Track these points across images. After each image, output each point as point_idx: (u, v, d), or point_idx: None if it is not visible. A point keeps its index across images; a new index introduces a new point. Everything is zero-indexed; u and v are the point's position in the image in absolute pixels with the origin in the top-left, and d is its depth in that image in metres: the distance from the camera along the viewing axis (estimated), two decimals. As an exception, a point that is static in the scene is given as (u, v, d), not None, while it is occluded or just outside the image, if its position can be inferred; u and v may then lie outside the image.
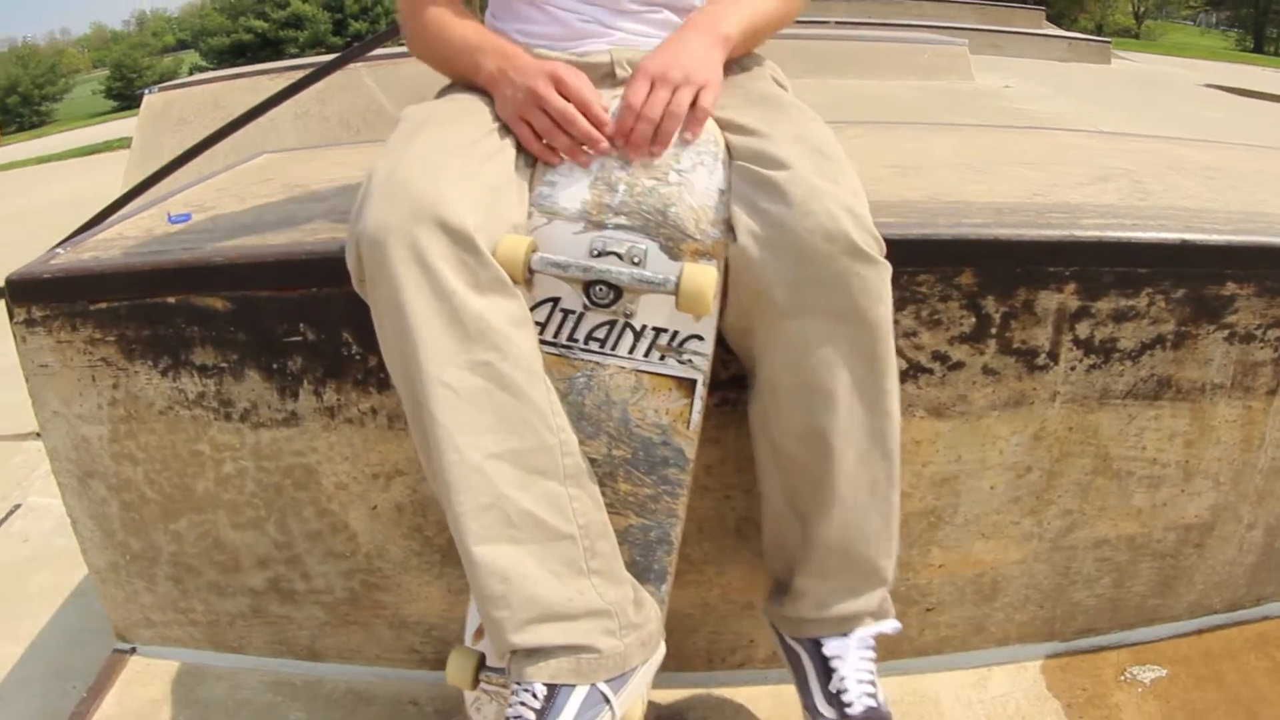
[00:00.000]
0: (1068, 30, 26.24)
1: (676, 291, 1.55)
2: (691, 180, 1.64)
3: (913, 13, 17.03)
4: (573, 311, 1.67)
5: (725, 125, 1.71)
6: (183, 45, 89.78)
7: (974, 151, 2.68)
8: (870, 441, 1.65)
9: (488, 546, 1.51)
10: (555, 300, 1.67)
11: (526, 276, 1.58)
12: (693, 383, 1.67)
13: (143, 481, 2.13)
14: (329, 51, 53.51)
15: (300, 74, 8.62)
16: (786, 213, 1.53)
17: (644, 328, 1.66)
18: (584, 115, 1.65)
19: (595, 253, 1.65)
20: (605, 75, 1.85)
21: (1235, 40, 65.34)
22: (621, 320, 1.66)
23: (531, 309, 1.64)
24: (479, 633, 1.76)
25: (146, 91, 9.08)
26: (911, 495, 2.05)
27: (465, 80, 1.86)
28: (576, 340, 1.68)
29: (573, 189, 1.68)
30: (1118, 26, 59.68)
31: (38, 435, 2.21)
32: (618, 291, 1.63)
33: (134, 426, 2.09)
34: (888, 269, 1.57)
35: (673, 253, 1.63)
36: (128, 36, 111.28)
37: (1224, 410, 2.10)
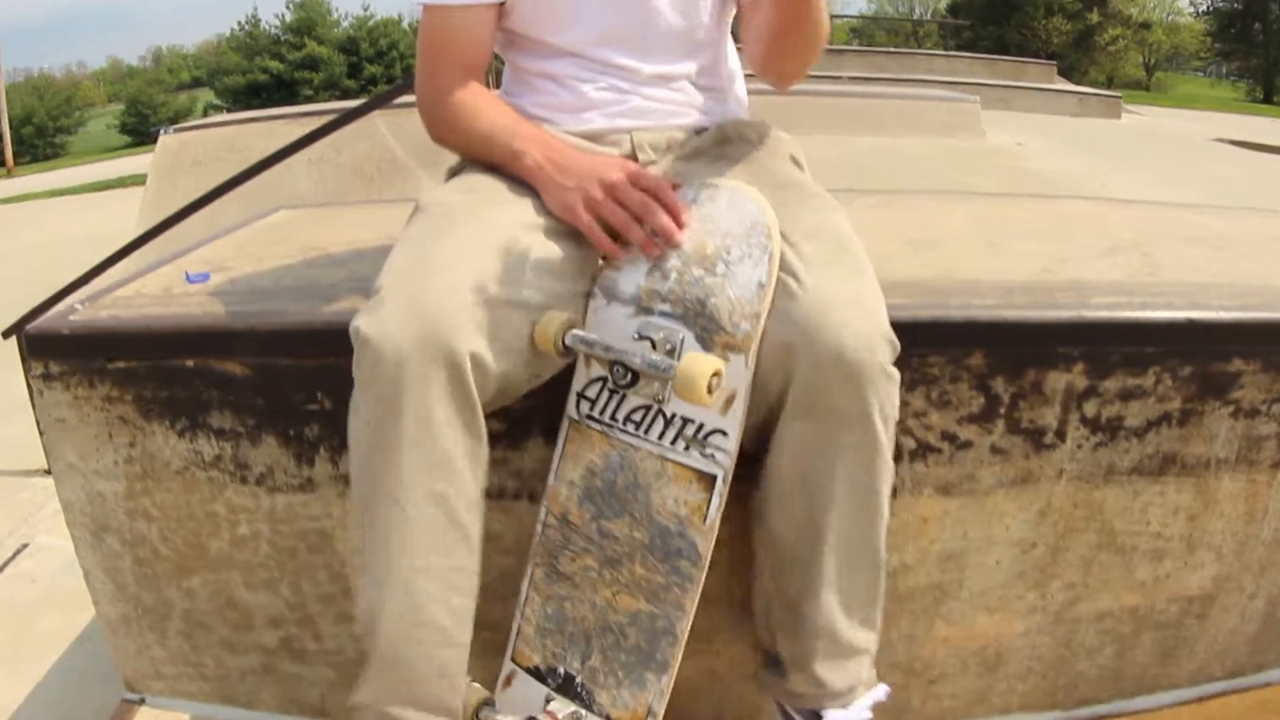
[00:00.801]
0: (1079, 83, 26.37)
1: (673, 377, 1.56)
2: (736, 272, 1.64)
3: (924, 67, 17.15)
4: (616, 392, 1.73)
5: None
6: (198, 83, 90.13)
7: (986, 223, 2.71)
8: (861, 535, 1.71)
9: (396, 641, 1.62)
10: (604, 380, 1.74)
11: (561, 350, 1.64)
12: (713, 478, 1.68)
13: (157, 538, 2.15)
14: (344, 94, 53.95)
15: (316, 119, 8.72)
16: (803, 320, 1.58)
17: (674, 415, 1.70)
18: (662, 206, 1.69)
19: (636, 336, 1.69)
20: (626, 157, 1.90)
21: (1245, 91, 65.45)
22: (655, 406, 1.70)
23: (585, 385, 1.77)
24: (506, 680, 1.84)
25: (162, 131, 9.08)
26: (917, 571, 2.07)
27: (499, 166, 1.87)
28: (617, 420, 1.75)
29: (634, 273, 1.72)
30: (1128, 79, 59.84)
31: (46, 472, 2.22)
32: (634, 374, 1.66)
33: (150, 484, 2.11)
34: (897, 379, 1.61)
35: (706, 343, 1.65)
36: (143, 72, 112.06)
37: (1228, 484, 2.12)
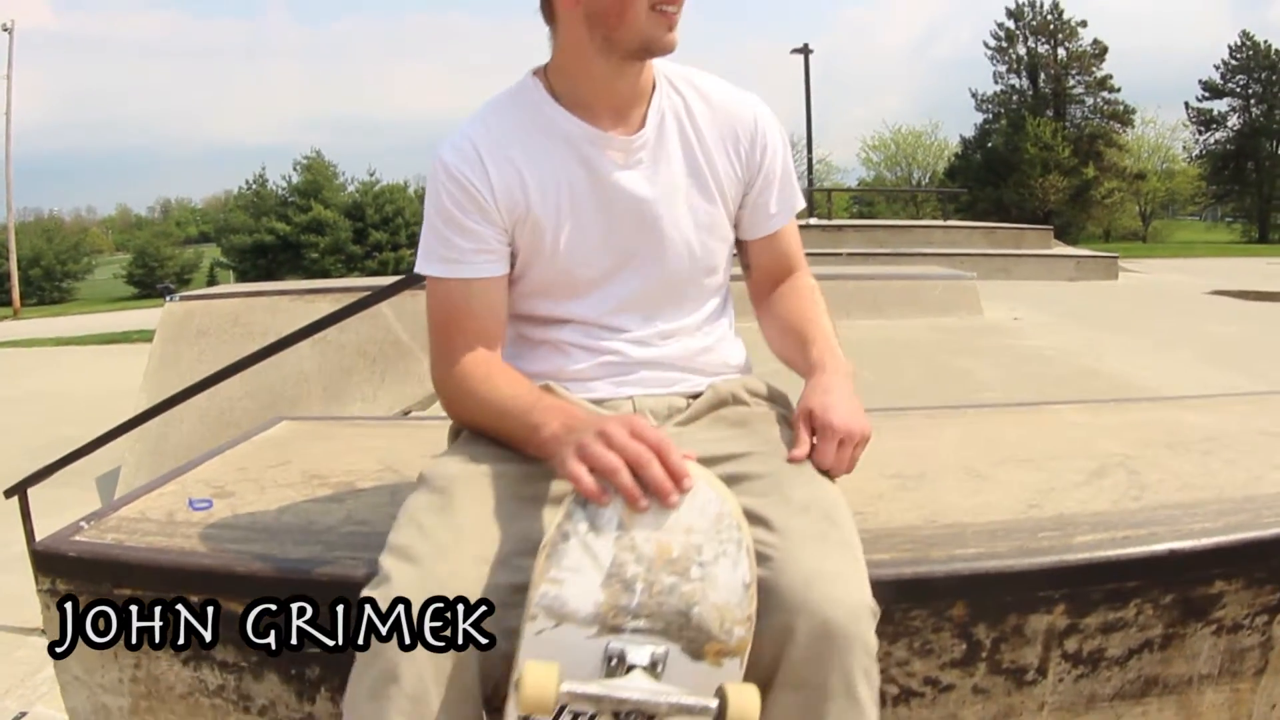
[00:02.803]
0: (1076, 237, 26.68)
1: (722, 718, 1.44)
2: (715, 574, 1.52)
3: (923, 240, 17.43)
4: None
5: (738, 479, 1.75)
6: (205, 238, 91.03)
7: (976, 446, 2.78)
8: None
9: None
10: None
11: (555, 710, 1.46)
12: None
13: (161, 753, 2.17)
14: (349, 260, 54.42)
15: (319, 296, 8.87)
16: (790, 598, 1.59)
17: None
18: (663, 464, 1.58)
19: (612, 659, 1.50)
20: None
21: (1241, 231, 65.94)
22: None
23: None
24: None
25: (168, 297, 9.30)
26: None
27: (517, 443, 1.81)
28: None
29: (584, 586, 1.50)
30: (1125, 230, 60.35)
31: (43, 631, 2.25)
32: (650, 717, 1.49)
33: (154, 704, 2.15)
34: (875, 647, 1.62)
35: (695, 654, 1.52)
36: (151, 223, 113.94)
37: (1211, 697, 2.16)
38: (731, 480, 1.70)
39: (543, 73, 2.00)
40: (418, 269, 1.96)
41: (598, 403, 1.97)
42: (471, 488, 1.75)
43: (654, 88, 2.00)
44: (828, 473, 1.81)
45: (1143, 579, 2.04)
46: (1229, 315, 12.45)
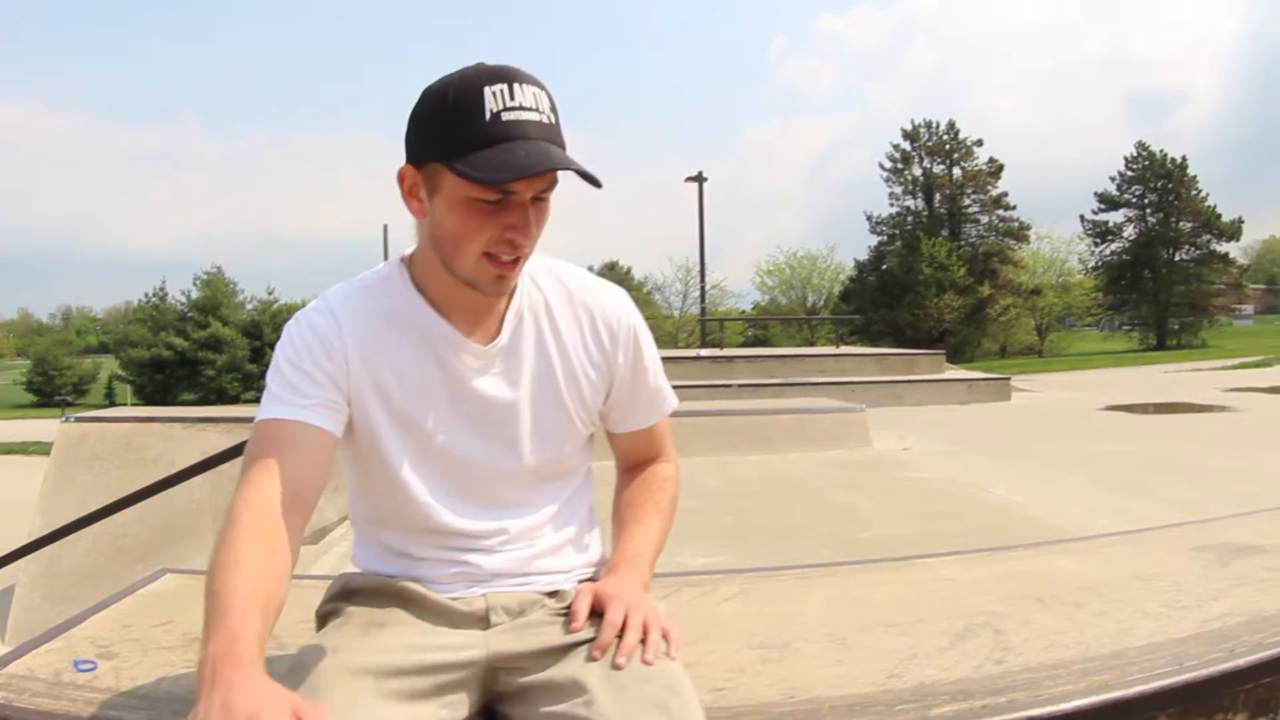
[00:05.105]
0: (972, 355, 27.21)
1: None
2: None
3: (814, 369, 17.64)
4: None
5: (576, 655, 1.80)
6: (104, 348, 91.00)
7: (844, 607, 2.77)
8: None
9: None
10: None
11: None
12: None
13: None
14: (246, 379, 54.51)
15: (211, 428, 8.98)
16: None
17: None
18: None
19: None
20: (479, 619, 1.92)
21: (1139, 339, 67.57)
22: None
23: None
24: None
25: (64, 415, 9.35)
26: None
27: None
28: None
29: None
30: (1022, 345, 61.57)
31: None
32: None
33: None
34: None
35: None
36: (51, 330, 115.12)
37: None
38: (570, 652, 1.81)
39: (409, 261, 1.99)
40: (257, 419, 1.88)
41: (453, 600, 1.94)
42: (332, 681, 1.71)
43: (515, 285, 1.99)
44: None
45: (999, 751, 2.02)
46: (1122, 432, 12.79)
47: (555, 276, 2.06)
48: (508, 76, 1.77)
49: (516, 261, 1.85)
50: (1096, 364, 45.54)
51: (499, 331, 1.98)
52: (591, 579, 2.06)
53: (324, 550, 6.32)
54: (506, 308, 1.99)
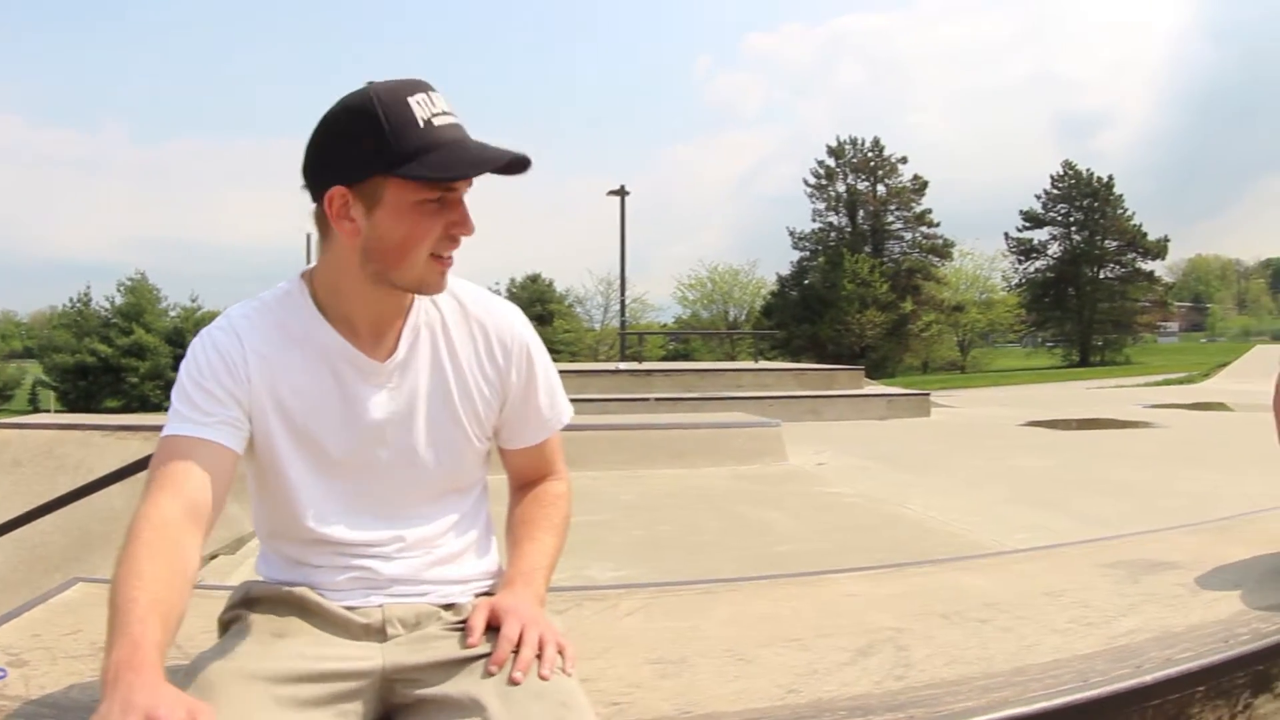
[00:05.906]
0: (894, 371, 27.47)
1: None
2: None
3: (732, 384, 17.73)
4: None
5: (473, 670, 1.82)
6: (29, 353, 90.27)
7: (745, 623, 2.73)
8: None
9: None
10: None
11: None
12: None
13: None
14: (167, 387, 54.06)
15: (131, 436, 9.03)
16: None
17: None
18: None
19: None
20: (376, 631, 1.93)
21: (1062, 356, 68.56)
22: None
23: None
24: None
25: None
26: None
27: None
28: None
29: None
30: (944, 360, 62.23)
31: None
32: None
33: None
34: None
35: None
36: None
37: None
38: (467, 666, 1.82)
39: (309, 278, 2.02)
40: (161, 435, 1.90)
41: (350, 609, 1.95)
42: (227, 688, 1.71)
43: (412, 302, 2.04)
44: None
45: (893, 768, 2.00)
46: (1040, 448, 12.84)
47: (452, 294, 2.09)
48: (421, 87, 1.86)
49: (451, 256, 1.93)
50: (1019, 380, 46.15)
51: (396, 348, 2.01)
52: (488, 593, 2.09)
53: (240, 561, 6.25)
54: (404, 324, 2.02)
